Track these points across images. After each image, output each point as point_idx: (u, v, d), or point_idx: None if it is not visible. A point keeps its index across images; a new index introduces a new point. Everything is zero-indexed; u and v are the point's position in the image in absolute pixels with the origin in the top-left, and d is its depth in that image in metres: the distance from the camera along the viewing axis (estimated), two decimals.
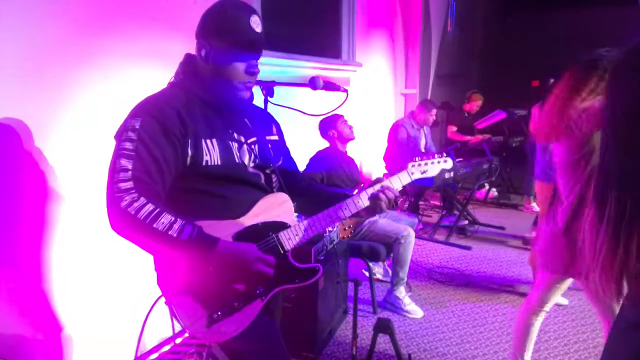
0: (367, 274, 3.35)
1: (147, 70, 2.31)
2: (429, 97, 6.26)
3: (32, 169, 1.89)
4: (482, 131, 5.96)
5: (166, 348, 2.43)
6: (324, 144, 3.44)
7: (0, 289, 1.80)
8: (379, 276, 3.66)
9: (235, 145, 1.44)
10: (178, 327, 2.45)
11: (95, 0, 2.09)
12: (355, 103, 4.65)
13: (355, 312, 2.37)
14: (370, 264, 3.29)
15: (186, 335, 2.40)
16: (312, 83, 1.60)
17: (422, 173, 1.60)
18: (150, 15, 2.35)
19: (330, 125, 3.35)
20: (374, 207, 1.50)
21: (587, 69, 1.96)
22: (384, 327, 2.24)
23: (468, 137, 5.77)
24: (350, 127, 3.40)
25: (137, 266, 2.21)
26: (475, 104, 6.01)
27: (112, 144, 1.33)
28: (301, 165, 2.45)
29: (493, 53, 9.03)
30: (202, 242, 1.25)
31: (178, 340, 2.39)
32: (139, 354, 2.34)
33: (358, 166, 3.90)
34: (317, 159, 3.31)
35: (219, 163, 1.37)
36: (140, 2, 2.30)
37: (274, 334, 1.47)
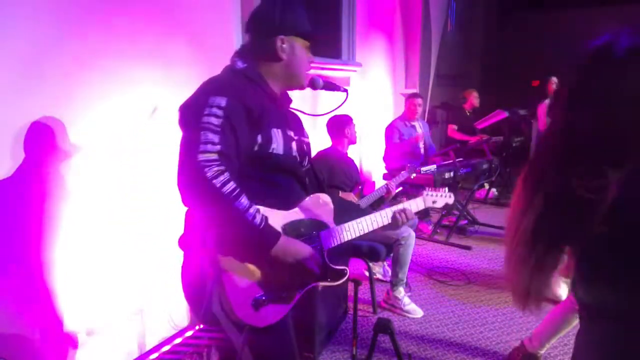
0: (367, 274, 3.35)
1: (147, 72, 2.30)
2: (429, 97, 6.27)
3: (32, 169, 1.89)
4: (482, 131, 5.96)
5: (166, 348, 2.43)
6: (323, 144, 3.44)
7: (1, 289, 1.81)
8: (379, 276, 3.66)
9: (290, 138, 1.48)
10: (181, 325, 2.45)
11: (96, 0, 2.09)
12: (355, 103, 4.64)
13: (355, 312, 2.37)
14: (370, 264, 3.29)
15: (186, 335, 2.41)
16: (312, 83, 1.60)
17: (432, 203, 1.90)
18: (151, 16, 2.35)
19: (346, 125, 3.35)
20: (391, 224, 1.68)
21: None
22: (384, 327, 2.24)
23: (468, 137, 5.77)
24: (356, 132, 3.43)
25: (138, 266, 2.22)
26: (472, 101, 6.00)
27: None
28: None
29: (493, 53, 9.04)
30: (268, 232, 1.30)
31: (177, 341, 2.39)
32: (140, 354, 2.34)
33: (358, 166, 3.90)
34: (318, 160, 3.30)
35: (281, 152, 1.41)
36: (141, 3, 2.30)
37: (290, 328, 1.51)
